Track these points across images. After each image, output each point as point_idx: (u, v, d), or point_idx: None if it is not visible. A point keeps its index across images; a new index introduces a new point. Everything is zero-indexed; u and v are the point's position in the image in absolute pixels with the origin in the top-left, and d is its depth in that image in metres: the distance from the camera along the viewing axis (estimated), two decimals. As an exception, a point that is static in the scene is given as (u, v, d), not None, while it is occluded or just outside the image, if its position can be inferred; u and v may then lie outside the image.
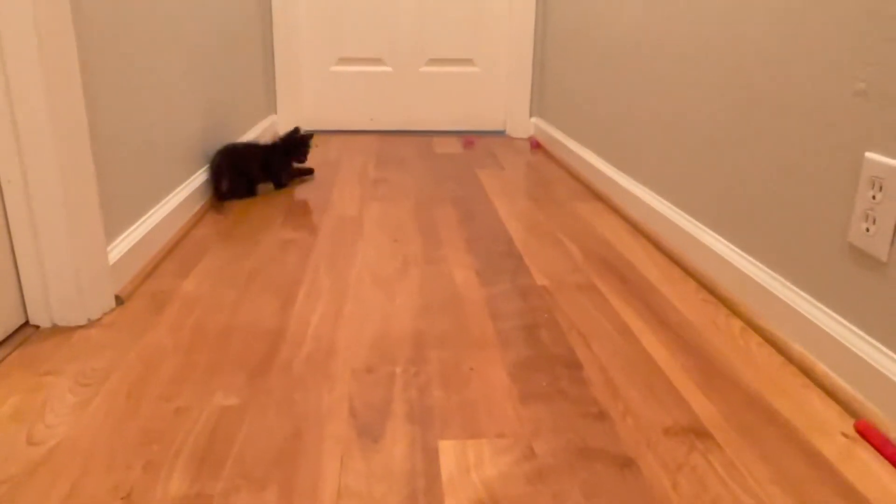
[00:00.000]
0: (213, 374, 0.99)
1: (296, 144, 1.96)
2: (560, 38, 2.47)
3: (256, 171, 1.89)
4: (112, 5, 1.25)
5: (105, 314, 1.16)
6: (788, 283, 1.11)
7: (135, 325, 1.13)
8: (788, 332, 1.08)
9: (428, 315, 1.19)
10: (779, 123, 1.13)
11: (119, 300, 1.21)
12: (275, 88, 2.71)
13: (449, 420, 0.89)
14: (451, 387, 0.97)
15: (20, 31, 0.98)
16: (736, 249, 1.26)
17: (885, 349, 0.90)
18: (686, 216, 1.47)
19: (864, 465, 0.82)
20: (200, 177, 1.76)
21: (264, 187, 1.96)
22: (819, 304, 1.03)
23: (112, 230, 1.25)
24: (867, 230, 0.92)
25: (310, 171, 2.11)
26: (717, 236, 1.33)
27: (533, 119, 2.82)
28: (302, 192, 1.95)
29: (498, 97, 2.85)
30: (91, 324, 1.13)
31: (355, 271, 1.38)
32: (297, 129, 1.99)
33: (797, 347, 1.05)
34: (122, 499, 0.74)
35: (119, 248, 1.26)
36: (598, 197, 1.95)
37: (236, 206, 1.79)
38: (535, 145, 2.66)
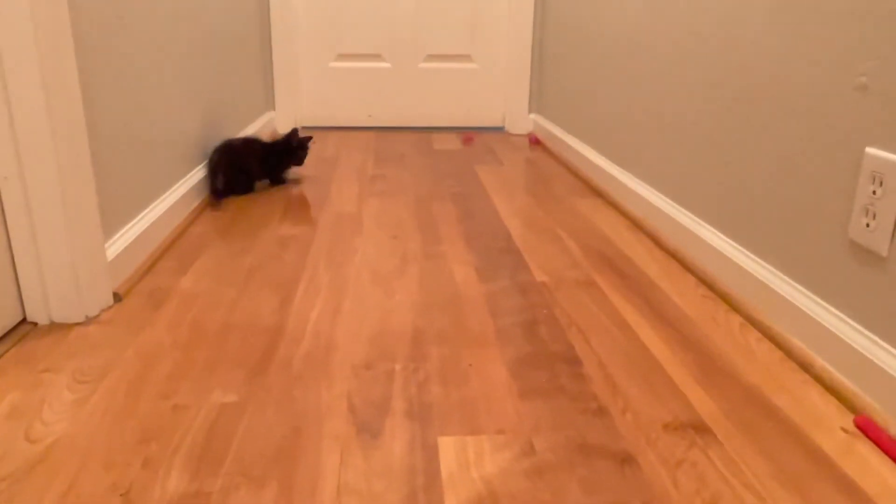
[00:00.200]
0: (211, 371, 0.99)
1: (294, 148, 1.95)
2: (559, 34, 2.47)
3: (255, 168, 1.88)
4: (110, 2, 1.24)
5: (103, 311, 1.16)
6: (788, 279, 1.10)
7: (133, 322, 1.13)
8: (788, 327, 1.08)
9: (427, 311, 1.19)
10: (779, 118, 1.13)
11: (117, 297, 1.20)
12: (273, 85, 2.70)
13: (448, 416, 0.89)
14: (451, 383, 0.97)
15: (17, 28, 0.97)
16: (735, 245, 1.26)
17: (885, 344, 0.89)
18: (685, 212, 1.46)
19: (863, 461, 0.82)
20: (198, 173, 1.76)
21: (261, 184, 1.95)
22: (819, 300, 1.03)
23: (110, 227, 1.25)
24: (867, 225, 0.92)
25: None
26: (716, 232, 1.33)
27: (532, 115, 2.81)
28: (300, 188, 1.95)
29: (497, 93, 2.84)
30: (89, 321, 1.13)
31: (354, 268, 1.38)
32: (295, 131, 1.97)
33: (797, 343, 1.05)
34: (120, 496, 0.74)
35: (117, 244, 1.25)
36: (598, 193, 1.95)
37: (234, 203, 1.79)
38: (534, 142, 2.65)
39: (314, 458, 0.81)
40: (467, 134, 2.75)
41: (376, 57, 2.76)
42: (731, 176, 1.28)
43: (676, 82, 1.51)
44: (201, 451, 0.81)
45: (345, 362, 1.02)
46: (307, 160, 2.08)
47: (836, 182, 0.99)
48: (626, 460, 0.81)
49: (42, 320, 1.11)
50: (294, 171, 2.10)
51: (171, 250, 1.45)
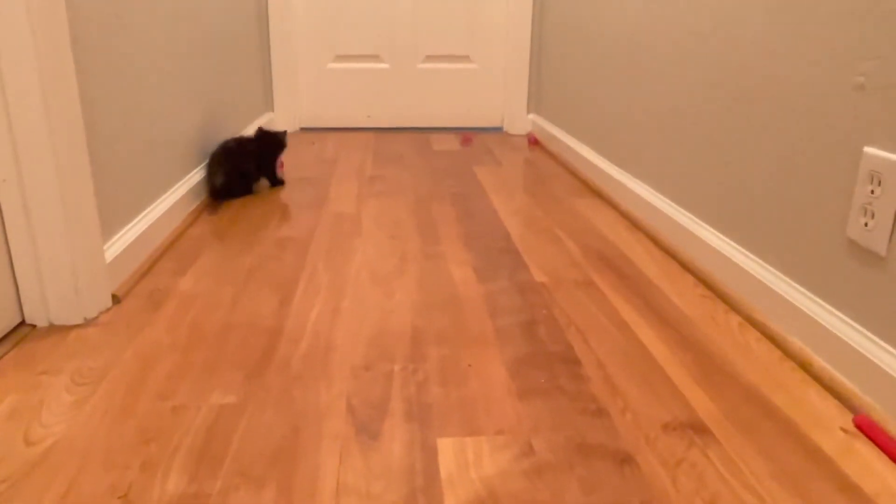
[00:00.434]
0: (210, 372, 0.99)
1: (279, 139, 1.93)
2: (558, 34, 2.47)
3: (252, 169, 1.88)
4: (108, 2, 1.24)
5: (102, 313, 1.16)
6: (787, 279, 1.10)
7: (132, 323, 1.13)
8: (787, 327, 1.08)
9: (426, 312, 1.19)
10: (777, 118, 1.13)
11: (116, 299, 1.20)
12: (272, 86, 2.70)
13: (447, 417, 0.89)
14: (450, 384, 0.97)
15: (14, 28, 0.97)
16: (734, 245, 1.26)
17: (883, 344, 0.89)
18: (684, 212, 1.46)
19: (863, 460, 0.82)
20: (198, 174, 1.76)
21: (260, 185, 1.95)
22: (818, 299, 1.03)
23: (108, 228, 1.24)
24: (866, 225, 0.92)
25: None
26: (715, 232, 1.33)
27: (530, 116, 2.81)
28: (299, 189, 1.95)
29: (495, 94, 2.84)
30: (88, 322, 1.13)
31: (353, 268, 1.38)
32: (261, 128, 1.92)
33: (796, 342, 1.05)
34: (119, 498, 0.74)
35: (116, 246, 1.25)
36: (596, 193, 1.95)
37: (234, 204, 1.79)
38: (533, 142, 2.65)
39: (313, 458, 0.81)
40: (466, 134, 2.75)
41: (375, 58, 2.76)
42: (731, 176, 1.28)
43: (676, 82, 1.51)
44: (200, 452, 0.81)
45: (344, 363, 1.02)
46: (306, 160, 2.08)
47: (835, 182, 0.99)
48: (625, 460, 0.81)
49: (41, 322, 1.11)
50: (293, 172, 2.10)
51: (170, 251, 1.45)
